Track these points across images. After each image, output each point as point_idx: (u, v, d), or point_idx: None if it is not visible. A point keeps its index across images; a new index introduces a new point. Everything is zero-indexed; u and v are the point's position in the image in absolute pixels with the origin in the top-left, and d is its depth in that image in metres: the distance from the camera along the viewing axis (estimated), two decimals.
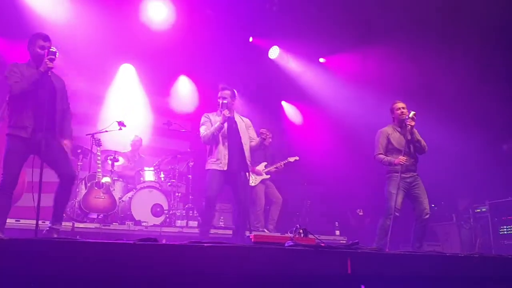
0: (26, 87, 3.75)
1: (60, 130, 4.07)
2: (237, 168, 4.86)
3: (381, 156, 5.22)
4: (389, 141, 5.23)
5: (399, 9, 6.70)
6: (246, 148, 4.97)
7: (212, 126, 4.89)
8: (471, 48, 6.58)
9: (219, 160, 4.84)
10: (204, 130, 4.92)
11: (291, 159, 7.23)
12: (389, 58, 7.29)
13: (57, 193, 3.95)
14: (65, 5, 6.63)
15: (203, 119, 5.04)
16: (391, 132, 5.27)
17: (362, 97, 7.85)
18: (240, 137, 4.94)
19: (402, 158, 5.02)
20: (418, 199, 5.16)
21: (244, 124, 5.10)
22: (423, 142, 5.27)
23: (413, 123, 5.13)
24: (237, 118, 5.09)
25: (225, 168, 4.81)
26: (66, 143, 4.09)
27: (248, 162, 4.96)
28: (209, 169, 4.91)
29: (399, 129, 5.27)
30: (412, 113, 5.18)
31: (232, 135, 4.91)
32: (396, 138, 5.22)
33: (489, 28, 6.38)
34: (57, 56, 3.84)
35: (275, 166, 7.19)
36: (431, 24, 6.81)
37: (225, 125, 4.88)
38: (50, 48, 3.83)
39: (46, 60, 3.77)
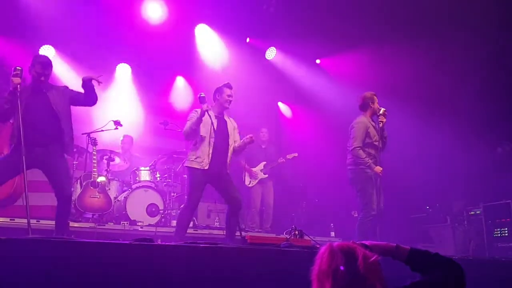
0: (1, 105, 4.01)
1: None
2: (218, 169, 4.71)
3: (362, 152, 4.98)
4: (367, 135, 5.05)
5: (396, 10, 6.73)
6: (230, 150, 4.86)
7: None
8: (475, 53, 6.60)
9: (200, 158, 4.66)
10: (186, 125, 4.76)
11: (289, 156, 7.24)
12: (386, 59, 7.31)
13: (56, 210, 4.12)
14: (64, 5, 6.61)
15: (191, 114, 4.83)
16: (369, 125, 5.09)
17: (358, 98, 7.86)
18: (228, 138, 4.85)
19: (380, 169, 4.93)
20: (378, 195, 5.04)
21: (232, 125, 5.00)
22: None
23: (384, 120, 5.06)
24: (226, 118, 5.00)
25: (206, 168, 4.63)
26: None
27: (228, 164, 4.82)
28: (188, 167, 4.73)
29: (373, 123, 5.16)
30: (383, 109, 5.10)
31: (220, 134, 4.78)
32: (373, 131, 5.08)
33: (486, 31, 6.42)
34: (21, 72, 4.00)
35: (273, 164, 7.21)
36: (429, 24, 6.84)
37: (215, 123, 4.73)
38: (16, 67, 4.00)
39: (11, 78, 3.95)
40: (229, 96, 4.86)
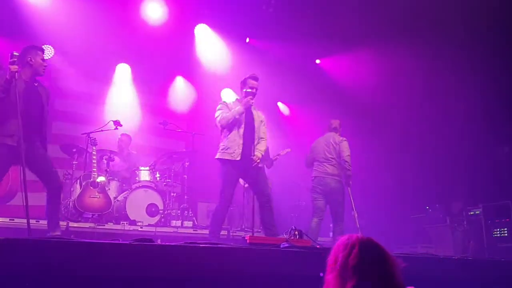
0: None
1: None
2: (251, 160, 4.59)
3: None
4: None
5: (395, 11, 6.74)
6: (256, 143, 4.72)
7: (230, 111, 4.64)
8: (476, 54, 6.59)
9: (231, 148, 4.55)
10: (222, 113, 4.62)
11: (283, 152, 7.08)
12: (386, 59, 7.31)
13: (47, 205, 4.04)
14: (63, 5, 6.61)
15: (221, 105, 4.74)
16: None
17: (358, 98, 7.87)
18: (255, 130, 4.74)
19: None
20: None
21: (259, 119, 4.90)
22: None
23: None
24: (254, 110, 4.89)
25: (238, 158, 4.50)
26: None
27: (254, 157, 4.62)
28: (220, 159, 4.60)
29: None
30: None
31: (248, 126, 4.69)
32: None
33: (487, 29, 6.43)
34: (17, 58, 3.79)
35: (266, 163, 7.17)
36: (429, 25, 6.84)
37: (243, 115, 4.66)
38: (13, 53, 3.78)
39: (9, 65, 3.73)
40: (251, 88, 4.72)
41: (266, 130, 4.96)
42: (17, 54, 3.79)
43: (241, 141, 4.58)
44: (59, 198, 4.16)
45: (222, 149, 4.63)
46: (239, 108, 4.61)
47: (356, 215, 5.91)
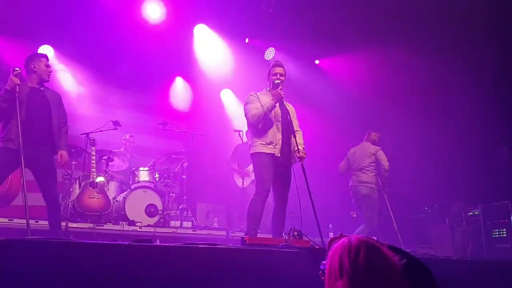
0: None
1: (57, 143, 4.25)
2: (287, 158, 4.31)
3: None
4: None
5: (394, 12, 6.75)
6: (296, 136, 4.35)
7: (261, 105, 4.25)
8: (475, 54, 6.59)
9: (273, 143, 4.22)
10: (252, 109, 4.26)
11: None
12: (386, 59, 7.31)
13: (48, 216, 4.16)
14: (62, 5, 6.61)
15: (250, 97, 4.37)
16: None
17: (357, 98, 7.87)
18: (292, 123, 4.36)
19: None
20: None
21: (291, 111, 4.52)
22: None
23: None
24: (286, 104, 4.53)
25: (279, 154, 4.19)
26: (62, 153, 4.28)
27: (300, 153, 4.24)
28: (258, 153, 4.23)
29: None
30: None
31: (284, 119, 4.34)
32: None
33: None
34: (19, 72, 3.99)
35: None
36: (429, 25, 6.85)
37: (277, 106, 4.30)
38: (15, 68, 3.98)
39: (11, 77, 3.92)
40: (275, 75, 4.37)
41: (298, 123, 4.61)
42: (18, 69, 3.98)
43: (279, 136, 4.27)
44: (57, 207, 4.27)
45: (261, 144, 4.25)
46: (269, 103, 4.23)
47: (392, 220, 6.23)
